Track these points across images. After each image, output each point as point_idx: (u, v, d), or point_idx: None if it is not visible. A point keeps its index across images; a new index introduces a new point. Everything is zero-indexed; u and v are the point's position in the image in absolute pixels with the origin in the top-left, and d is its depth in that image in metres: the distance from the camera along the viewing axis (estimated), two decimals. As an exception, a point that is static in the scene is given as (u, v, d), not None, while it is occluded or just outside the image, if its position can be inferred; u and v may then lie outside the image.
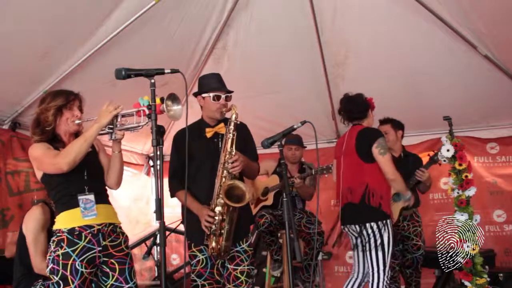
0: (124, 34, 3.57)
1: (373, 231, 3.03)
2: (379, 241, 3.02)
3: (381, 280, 3.00)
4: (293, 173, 4.17)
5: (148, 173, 5.86)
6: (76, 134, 2.44)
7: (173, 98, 2.14)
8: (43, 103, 2.37)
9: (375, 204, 3.04)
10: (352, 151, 3.18)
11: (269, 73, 4.60)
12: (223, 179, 2.60)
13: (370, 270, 3.04)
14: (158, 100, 2.11)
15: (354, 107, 3.30)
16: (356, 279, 3.23)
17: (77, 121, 2.39)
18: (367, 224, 3.04)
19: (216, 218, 2.56)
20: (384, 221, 3.04)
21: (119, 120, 2.31)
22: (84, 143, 2.22)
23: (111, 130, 2.32)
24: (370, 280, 3.04)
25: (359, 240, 3.17)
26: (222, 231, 2.57)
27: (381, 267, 3.01)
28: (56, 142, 2.38)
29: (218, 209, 2.58)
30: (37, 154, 2.30)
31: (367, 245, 3.05)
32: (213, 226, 2.56)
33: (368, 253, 3.06)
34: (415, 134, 5.00)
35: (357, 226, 3.10)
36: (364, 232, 3.05)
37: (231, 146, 2.63)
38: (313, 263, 4.04)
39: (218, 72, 2.98)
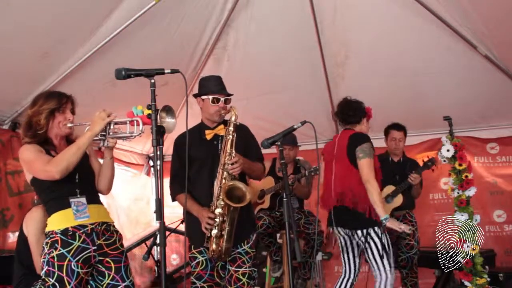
0: (124, 34, 3.57)
1: (372, 238, 3.08)
2: (380, 247, 3.07)
3: (388, 279, 3.09)
4: (288, 172, 4.16)
5: (148, 173, 5.86)
6: (67, 137, 2.43)
7: (168, 110, 2.12)
8: (35, 105, 2.33)
9: (363, 210, 3.09)
10: (344, 155, 3.21)
11: (269, 73, 4.60)
12: (223, 181, 2.59)
13: (378, 273, 3.12)
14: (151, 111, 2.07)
15: (350, 111, 3.33)
16: (348, 279, 3.27)
17: (69, 125, 2.36)
18: (370, 229, 3.09)
19: (217, 220, 2.55)
20: (378, 228, 3.10)
21: (111, 127, 2.29)
22: (77, 151, 2.21)
23: (103, 137, 2.30)
24: (378, 280, 3.12)
25: (348, 242, 3.25)
26: (223, 232, 2.56)
27: (387, 269, 3.10)
28: (47, 144, 2.35)
29: (218, 210, 2.57)
30: (28, 157, 2.26)
31: (370, 251, 3.11)
32: (214, 228, 2.55)
33: (373, 260, 3.13)
34: (415, 134, 4.99)
35: (352, 231, 3.16)
36: (362, 238, 3.10)
37: (231, 147, 2.62)
38: (310, 261, 4.03)
39: (218, 73, 2.98)
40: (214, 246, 2.57)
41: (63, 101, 2.36)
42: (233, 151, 2.61)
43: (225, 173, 2.59)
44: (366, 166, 3.08)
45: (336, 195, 3.23)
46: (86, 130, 2.27)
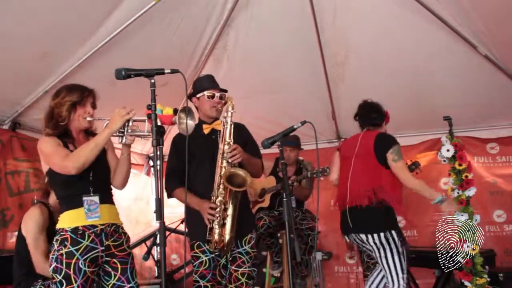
0: (124, 34, 3.57)
1: (394, 239, 3.01)
2: (400, 249, 3.01)
3: (400, 286, 3.01)
4: (289, 173, 4.17)
5: (148, 173, 5.86)
6: (86, 131, 2.44)
7: (189, 111, 2.11)
8: (57, 96, 2.35)
9: (387, 208, 3.03)
10: (370, 153, 3.16)
11: (269, 73, 4.60)
12: (223, 169, 2.59)
13: (390, 279, 3.03)
14: (170, 110, 2.09)
15: (374, 113, 3.32)
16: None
17: (88, 118, 2.37)
18: (392, 231, 3.01)
19: (218, 209, 2.55)
20: (397, 232, 3.03)
21: (130, 124, 2.29)
22: (94, 148, 2.22)
23: (121, 134, 2.31)
24: (390, 286, 3.04)
25: (374, 248, 3.10)
26: (225, 221, 2.56)
27: (400, 276, 3.02)
28: (66, 137, 2.36)
29: (219, 199, 2.57)
30: (47, 150, 2.28)
31: (385, 255, 3.03)
32: (215, 219, 2.55)
33: (386, 264, 3.04)
34: (415, 134, 5.00)
35: (375, 235, 3.02)
36: (383, 240, 3.01)
37: (229, 136, 2.63)
38: (305, 258, 4.03)
39: (218, 73, 2.99)
40: (216, 237, 2.56)
41: (85, 94, 2.38)
42: (232, 139, 2.62)
43: (224, 161, 2.60)
44: (401, 170, 3.07)
45: (356, 193, 3.13)
46: (105, 127, 2.28)
